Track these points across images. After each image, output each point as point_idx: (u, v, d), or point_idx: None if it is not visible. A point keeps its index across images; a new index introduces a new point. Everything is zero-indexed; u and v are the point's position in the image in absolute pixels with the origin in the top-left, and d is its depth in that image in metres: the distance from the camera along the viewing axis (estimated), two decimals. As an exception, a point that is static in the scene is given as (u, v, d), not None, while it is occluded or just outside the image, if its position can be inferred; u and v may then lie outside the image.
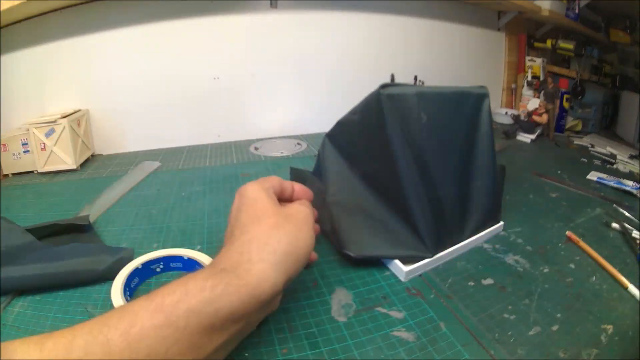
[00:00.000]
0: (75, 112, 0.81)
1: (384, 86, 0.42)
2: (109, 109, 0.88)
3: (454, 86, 0.48)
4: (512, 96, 1.26)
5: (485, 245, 0.47)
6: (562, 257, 0.45)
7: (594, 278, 0.41)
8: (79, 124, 0.80)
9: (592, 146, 0.95)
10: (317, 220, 0.39)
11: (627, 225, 0.51)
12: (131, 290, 0.38)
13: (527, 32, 1.26)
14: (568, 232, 0.49)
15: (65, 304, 0.37)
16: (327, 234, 0.45)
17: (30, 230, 0.46)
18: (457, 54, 1.18)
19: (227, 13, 0.90)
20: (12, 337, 0.22)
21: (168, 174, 0.74)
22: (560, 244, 0.48)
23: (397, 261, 0.41)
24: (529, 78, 1.15)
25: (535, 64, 1.15)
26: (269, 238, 0.29)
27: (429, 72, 1.08)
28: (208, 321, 0.24)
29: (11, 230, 0.45)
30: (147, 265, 0.40)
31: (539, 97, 1.04)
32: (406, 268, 0.40)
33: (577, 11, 1.14)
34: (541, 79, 1.14)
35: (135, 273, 0.39)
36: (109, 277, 0.38)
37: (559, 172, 0.74)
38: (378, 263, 0.43)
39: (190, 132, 0.95)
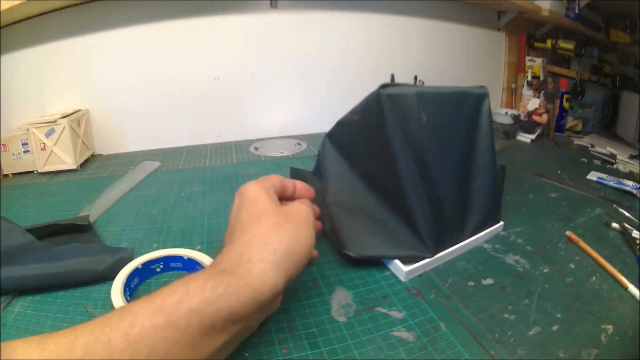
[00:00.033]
0: (75, 112, 0.81)
1: (384, 86, 0.42)
2: (109, 109, 0.88)
3: (454, 86, 0.48)
4: (512, 96, 1.26)
5: (485, 245, 0.47)
6: (562, 257, 0.45)
7: (594, 278, 0.41)
8: (79, 124, 0.80)
9: (592, 146, 0.95)
10: (319, 218, 0.39)
11: (627, 225, 0.51)
12: (131, 290, 0.38)
13: (527, 32, 1.26)
14: (568, 232, 0.49)
15: (65, 304, 0.37)
16: (327, 234, 0.45)
17: (30, 230, 0.46)
18: (457, 54, 1.18)
19: (227, 13, 0.90)
20: (12, 337, 0.22)
21: (168, 174, 0.74)
22: (560, 244, 0.48)
23: (397, 261, 0.41)
24: (529, 78, 1.15)
25: (535, 64, 1.15)
26: (269, 238, 0.29)
27: (429, 72, 1.08)
28: (209, 322, 0.24)
29: (11, 230, 0.45)
30: (147, 265, 0.40)
31: (539, 97, 1.04)
32: (406, 268, 0.40)
33: (577, 11, 1.14)
34: (541, 79, 1.14)
35: (135, 273, 0.39)
36: (109, 277, 0.38)
37: (559, 172, 0.74)
38: (378, 263, 0.43)
39: (190, 132, 0.95)
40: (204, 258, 0.41)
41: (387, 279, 0.41)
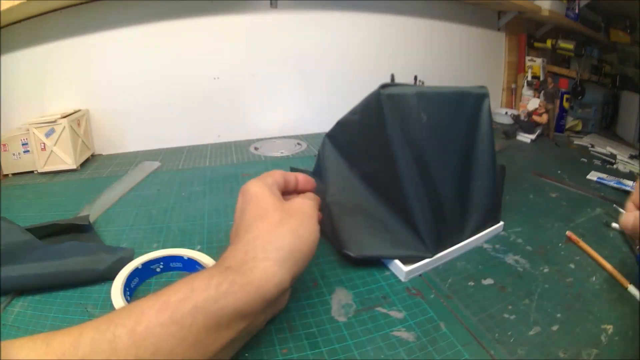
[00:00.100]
0: (75, 112, 0.81)
1: (384, 86, 0.42)
2: (109, 109, 0.88)
3: (454, 86, 0.48)
4: (512, 96, 1.26)
5: (485, 245, 0.47)
6: (562, 257, 0.45)
7: (594, 278, 0.41)
8: (79, 124, 0.80)
9: (592, 146, 0.95)
10: (321, 209, 0.39)
11: (627, 225, 0.51)
12: (131, 290, 0.38)
13: (527, 32, 1.26)
14: (568, 232, 0.49)
15: (65, 304, 0.37)
16: (327, 234, 0.45)
17: (30, 230, 0.46)
18: (457, 54, 1.18)
19: (227, 13, 0.90)
20: (12, 337, 0.22)
21: (168, 174, 0.74)
22: (560, 244, 0.48)
23: (397, 261, 0.41)
24: (529, 78, 1.15)
25: (535, 64, 1.15)
26: (273, 235, 0.30)
27: (429, 72, 1.08)
28: (214, 319, 0.24)
29: (11, 230, 0.45)
30: (147, 265, 0.40)
31: (539, 97, 1.04)
32: (406, 268, 0.40)
33: (577, 11, 1.14)
34: (541, 79, 1.14)
35: (135, 273, 0.39)
36: (109, 277, 0.38)
37: (559, 172, 0.74)
38: (378, 263, 0.43)
39: (190, 132, 0.95)
40: (204, 258, 0.41)
41: (387, 279, 0.41)
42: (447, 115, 0.46)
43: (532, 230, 0.51)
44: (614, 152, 0.89)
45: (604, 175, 0.71)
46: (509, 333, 0.33)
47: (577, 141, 1.01)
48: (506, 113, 1.14)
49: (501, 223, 0.50)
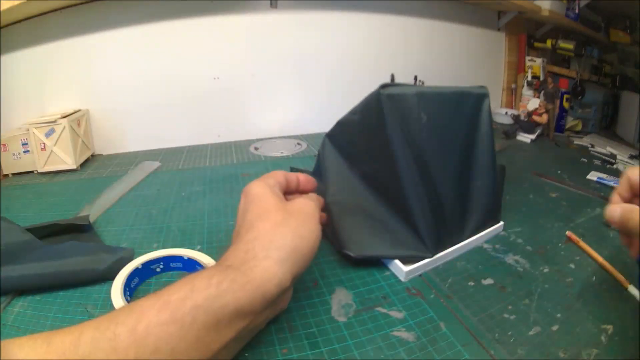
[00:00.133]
0: (75, 112, 0.81)
1: (384, 86, 0.42)
2: (109, 109, 0.88)
3: (454, 86, 0.48)
4: (512, 96, 1.26)
5: (485, 245, 0.47)
6: (562, 257, 0.45)
7: (594, 278, 0.41)
8: (79, 124, 0.80)
9: (592, 146, 0.95)
10: (324, 209, 0.39)
11: (627, 225, 0.51)
12: (131, 290, 0.38)
13: (527, 32, 1.26)
14: (568, 232, 0.49)
15: (65, 304, 0.37)
16: (327, 234, 0.45)
17: (30, 230, 0.46)
18: (457, 54, 1.18)
19: (227, 13, 0.90)
20: (12, 337, 0.22)
21: (168, 174, 0.74)
22: (560, 244, 0.48)
23: (397, 261, 0.41)
24: (529, 78, 1.15)
25: (535, 64, 1.15)
26: (274, 235, 0.30)
27: (429, 72, 1.08)
28: (214, 318, 0.24)
29: (11, 230, 0.45)
30: (147, 265, 0.40)
31: (539, 97, 1.04)
32: (406, 268, 0.40)
33: (577, 11, 1.14)
34: (541, 79, 1.14)
35: (135, 273, 0.39)
36: (109, 277, 0.38)
37: (559, 172, 0.74)
38: (378, 263, 0.43)
39: (190, 132, 0.95)
40: (204, 258, 0.41)
41: (387, 279, 0.41)
42: (447, 115, 0.46)
43: (532, 230, 0.51)
44: (614, 152, 0.89)
45: (604, 175, 0.71)
46: (509, 333, 0.33)
47: (577, 141, 1.01)
48: (506, 113, 1.14)
49: (501, 223, 0.50)
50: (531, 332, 0.33)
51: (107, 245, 0.47)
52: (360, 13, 1.01)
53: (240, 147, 0.91)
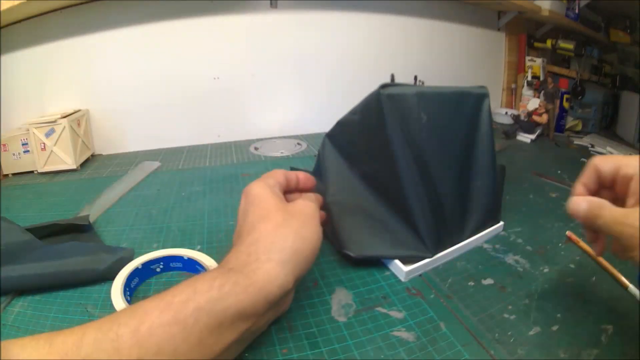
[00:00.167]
0: (75, 112, 0.81)
1: (384, 86, 0.42)
2: (109, 109, 0.88)
3: (454, 86, 0.48)
4: (512, 96, 1.26)
5: (485, 245, 0.47)
6: (562, 257, 0.45)
7: (594, 278, 0.41)
8: (79, 124, 0.80)
9: (592, 146, 0.95)
10: (323, 208, 0.39)
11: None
12: (131, 290, 0.38)
13: (527, 32, 1.26)
14: (568, 232, 0.49)
15: (65, 304, 0.37)
16: (327, 234, 0.45)
17: (30, 230, 0.46)
18: (457, 54, 1.18)
19: (227, 13, 0.90)
20: (12, 337, 0.22)
21: (168, 174, 0.74)
22: (560, 244, 0.48)
23: (397, 261, 0.41)
24: (529, 78, 1.15)
25: (535, 64, 1.15)
26: (275, 237, 0.30)
27: (429, 72, 1.08)
28: (216, 320, 0.24)
29: (11, 230, 0.45)
30: (147, 265, 0.40)
31: (539, 97, 1.04)
32: (406, 268, 0.40)
33: (577, 11, 1.14)
34: (541, 79, 1.14)
35: (135, 273, 0.39)
36: (109, 277, 0.38)
37: (559, 172, 0.74)
38: (378, 263, 0.43)
39: (190, 132, 0.95)
40: (204, 258, 0.41)
41: (387, 279, 0.41)
42: (447, 115, 0.46)
43: (532, 230, 0.51)
44: (614, 152, 0.89)
45: (604, 175, 0.70)
46: (509, 333, 0.33)
47: (577, 141, 1.01)
48: (506, 113, 1.14)
49: (501, 223, 0.50)
50: (531, 332, 0.33)
51: (107, 245, 0.47)
52: (360, 13, 1.01)
53: (240, 147, 0.91)
